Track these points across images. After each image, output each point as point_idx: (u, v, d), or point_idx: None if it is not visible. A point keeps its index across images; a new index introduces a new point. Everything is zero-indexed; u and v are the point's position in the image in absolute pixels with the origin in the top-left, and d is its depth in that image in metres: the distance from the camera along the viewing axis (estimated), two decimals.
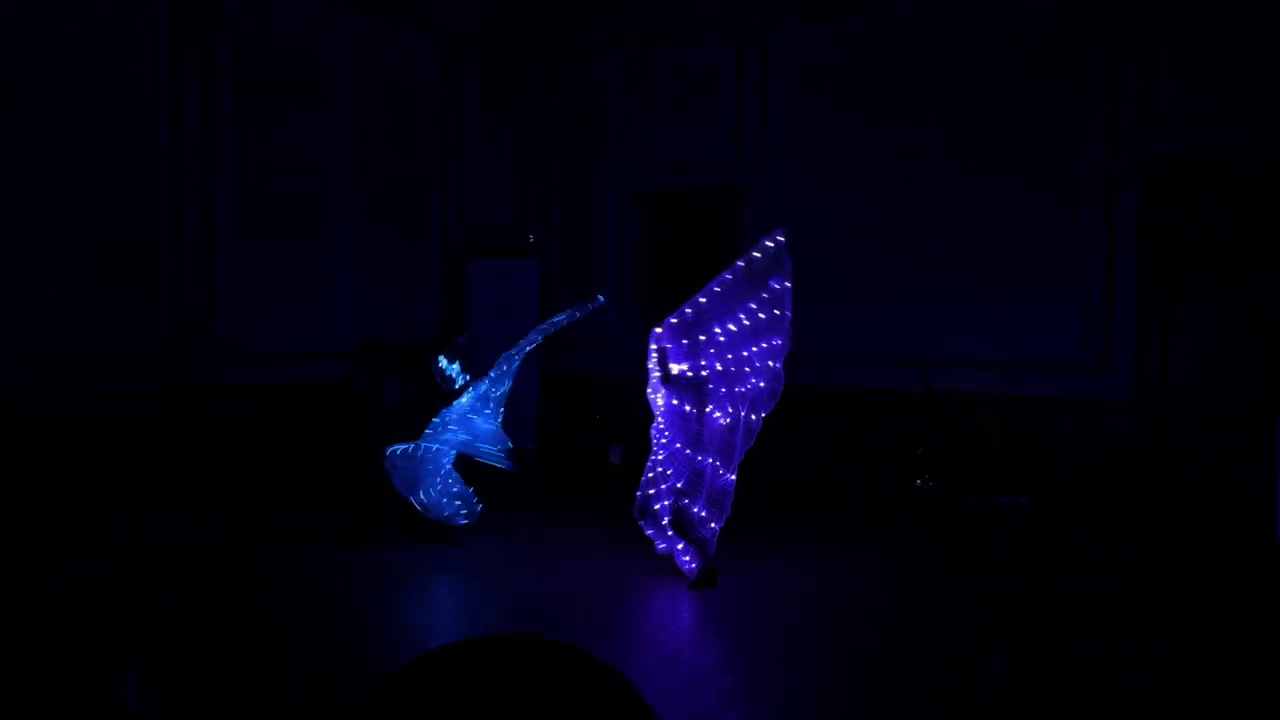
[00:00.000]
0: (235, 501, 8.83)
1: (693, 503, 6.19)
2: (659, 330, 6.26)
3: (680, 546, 6.43)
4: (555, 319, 7.40)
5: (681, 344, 6.29)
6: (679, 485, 6.25)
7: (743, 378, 6.32)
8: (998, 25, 9.59)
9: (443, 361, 7.95)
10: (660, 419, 6.54)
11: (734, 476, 6.43)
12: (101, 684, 1.62)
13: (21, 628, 5.47)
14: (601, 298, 7.37)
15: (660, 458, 6.48)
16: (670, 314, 6.34)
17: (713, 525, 6.33)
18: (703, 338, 6.26)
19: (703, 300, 6.27)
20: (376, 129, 11.03)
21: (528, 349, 7.60)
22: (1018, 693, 2.06)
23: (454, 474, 7.68)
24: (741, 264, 6.29)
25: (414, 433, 7.45)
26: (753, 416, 6.35)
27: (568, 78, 12.51)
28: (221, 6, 9.55)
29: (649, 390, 6.58)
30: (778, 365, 6.38)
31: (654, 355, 6.27)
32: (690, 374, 6.25)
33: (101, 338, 8.75)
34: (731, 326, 6.31)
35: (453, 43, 11.84)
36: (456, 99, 11.93)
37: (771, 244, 6.34)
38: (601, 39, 12.18)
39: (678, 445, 6.33)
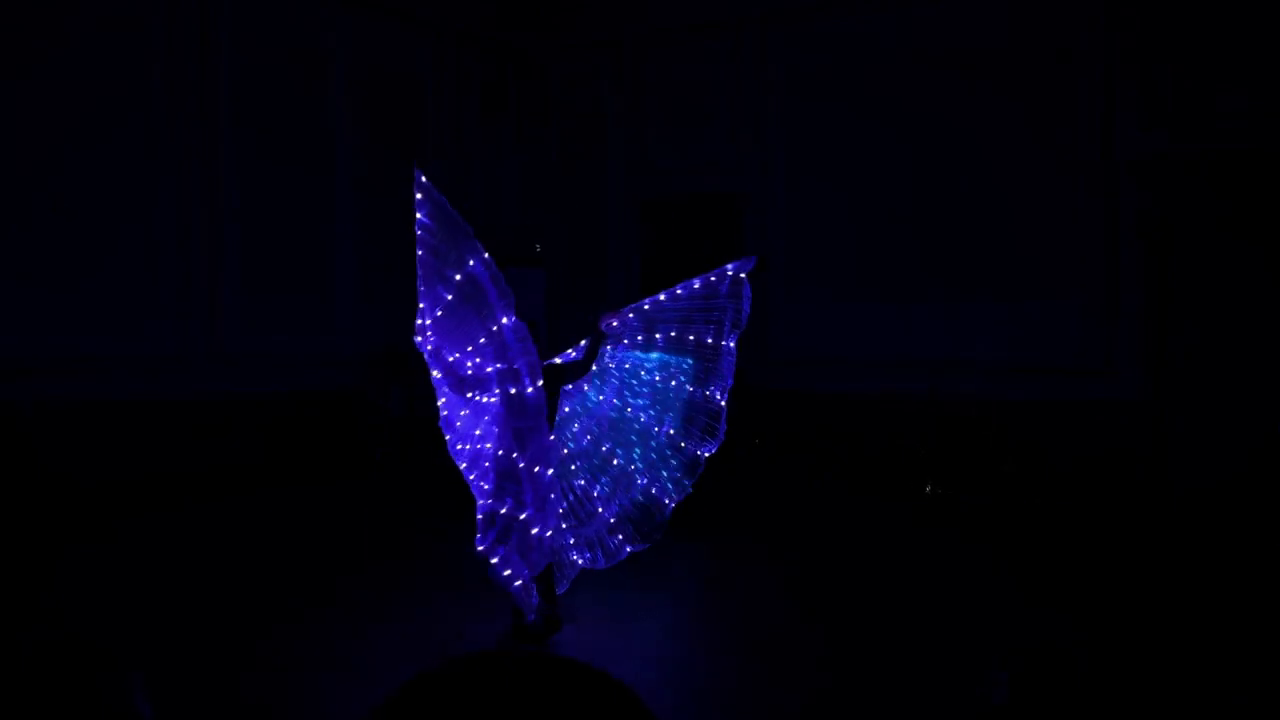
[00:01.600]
0: (238, 506, 8.84)
1: (500, 504, 5.25)
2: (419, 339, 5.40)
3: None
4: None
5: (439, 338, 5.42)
6: (485, 485, 5.32)
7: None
8: (996, 26, 9.59)
9: None
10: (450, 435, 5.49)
11: (550, 471, 5.36)
12: (106, 687, 1.62)
13: (26, 628, 5.47)
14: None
15: (472, 478, 5.49)
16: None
17: (548, 534, 5.36)
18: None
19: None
20: (377, 136, 11.04)
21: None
22: (1024, 697, 2.08)
23: None
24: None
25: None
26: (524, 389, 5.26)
27: (567, 83, 12.51)
28: (220, 7, 9.54)
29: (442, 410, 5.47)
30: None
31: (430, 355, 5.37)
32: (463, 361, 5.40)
33: (106, 341, 8.77)
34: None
35: (451, 48, 11.86)
36: (456, 106, 11.95)
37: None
38: (601, 43, 12.18)
39: (481, 446, 5.39)
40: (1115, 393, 8.99)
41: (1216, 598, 6.39)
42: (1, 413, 7.97)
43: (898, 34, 10.13)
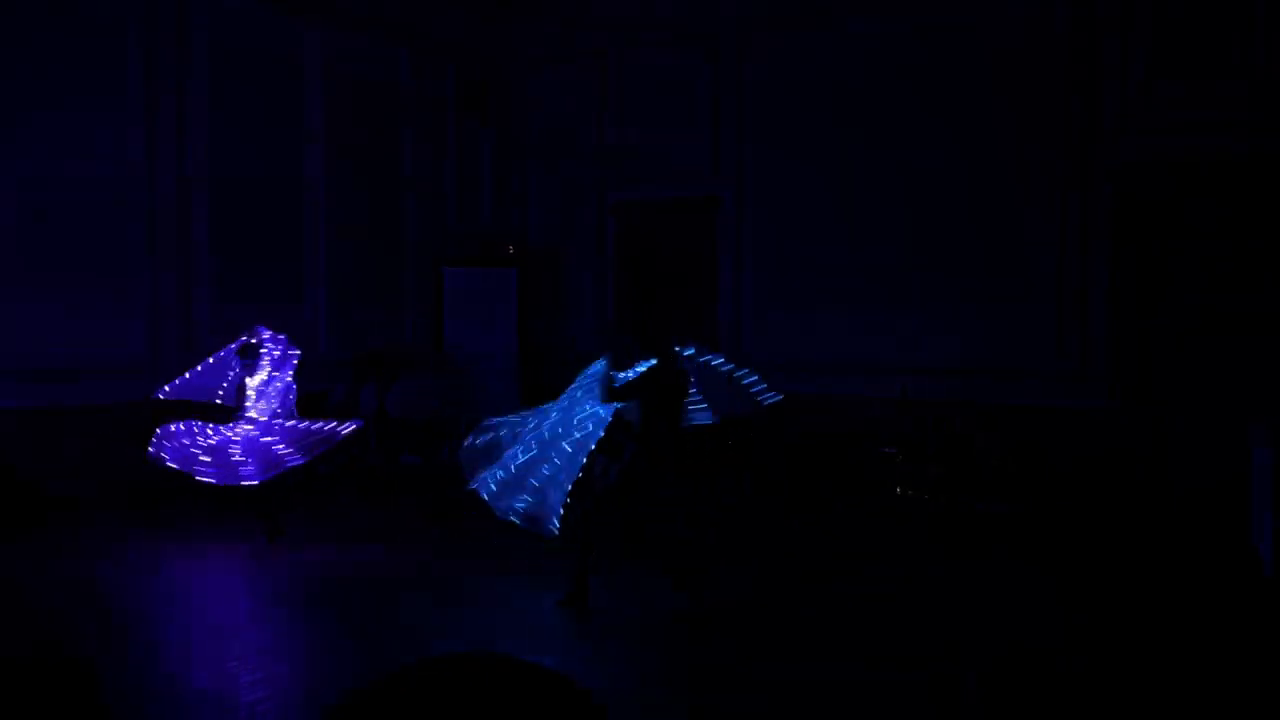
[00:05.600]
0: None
1: None
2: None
3: None
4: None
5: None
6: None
7: None
8: (968, 36, 9.65)
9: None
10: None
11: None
12: (79, 692, 1.62)
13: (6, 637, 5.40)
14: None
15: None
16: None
17: None
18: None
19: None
20: (353, 139, 10.99)
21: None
22: (991, 697, 2.08)
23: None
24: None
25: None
26: None
27: (544, 86, 12.51)
28: (195, 19, 9.49)
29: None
30: None
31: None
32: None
33: (77, 350, 8.68)
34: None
35: (428, 53, 11.82)
36: (433, 108, 11.90)
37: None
38: (578, 48, 12.18)
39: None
40: (1092, 399, 9.00)
41: (1216, 597, 6.42)
42: None
43: (870, 45, 10.17)
